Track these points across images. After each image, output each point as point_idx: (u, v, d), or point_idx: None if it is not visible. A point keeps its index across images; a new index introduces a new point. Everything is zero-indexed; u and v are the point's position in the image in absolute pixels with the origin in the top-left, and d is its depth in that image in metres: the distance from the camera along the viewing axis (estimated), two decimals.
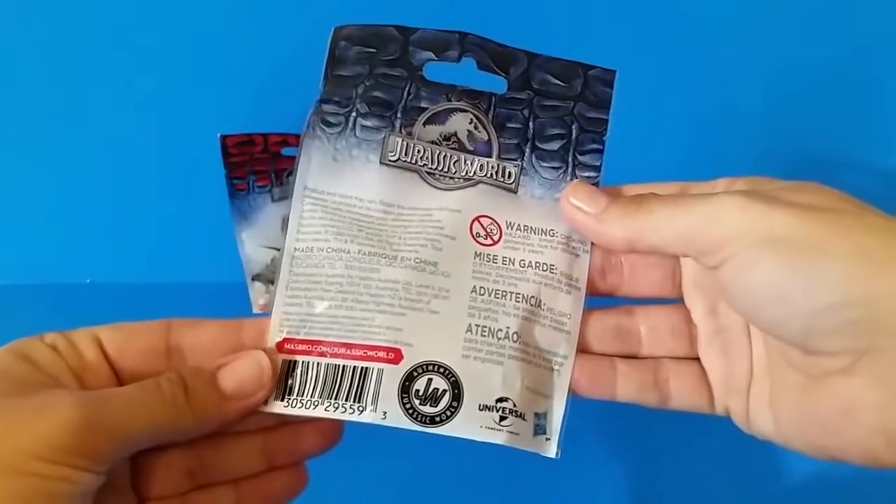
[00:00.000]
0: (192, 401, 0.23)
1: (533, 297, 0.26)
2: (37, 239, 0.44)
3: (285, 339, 0.25)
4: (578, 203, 0.25)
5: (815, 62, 0.47)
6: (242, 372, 0.24)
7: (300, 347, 0.25)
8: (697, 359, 0.27)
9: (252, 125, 0.43)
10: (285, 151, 0.43)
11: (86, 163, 0.43)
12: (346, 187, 0.26)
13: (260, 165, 0.44)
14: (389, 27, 0.26)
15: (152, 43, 0.42)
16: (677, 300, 0.28)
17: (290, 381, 0.24)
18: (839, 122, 0.47)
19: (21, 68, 0.42)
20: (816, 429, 0.23)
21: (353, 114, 0.26)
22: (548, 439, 0.25)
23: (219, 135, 0.42)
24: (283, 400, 0.24)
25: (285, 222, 0.46)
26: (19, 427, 0.20)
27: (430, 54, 0.26)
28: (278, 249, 0.47)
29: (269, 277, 0.47)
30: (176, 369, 0.24)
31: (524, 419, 0.25)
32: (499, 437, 0.24)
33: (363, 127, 0.26)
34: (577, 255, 0.27)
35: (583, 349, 0.27)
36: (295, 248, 0.26)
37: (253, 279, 0.45)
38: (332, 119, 0.26)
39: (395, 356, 0.24)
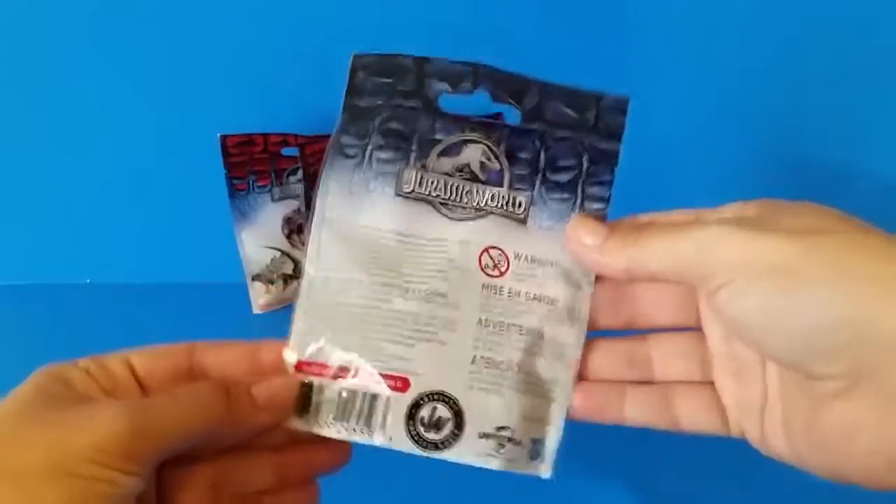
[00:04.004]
0: (232, 405, 0.24)
1: (536, 329, 0.26)
2: (37, 239, 0.44)
3: (303, 362, 0.26)
4: (579, 236, 0.26)
5: (825, 74, 0.47)
6: (274, 388, 0.25)
7: (316, 370, 0.26)
8: (710, 383, 0.27)
9: (252, 125, 0.43)
10: (285, 151, 0.43)
11: (86, 163, 0.43)
12: (364, 218, 0.26)
13: (260, 165, 0.44)
14: (406, 57, 0.26)
15: (153, 43, 0.42)
16: (696, 328, 0.28)
17: (307, 401, 0.26)
18: (851, 131, 0.47)
19: (21, 69, 0.42)
20: (822, 450, 0.23)
21: (370, 146, 0.26)
22: (542, 462, 0.26)
23: (219, 135, 0.42)
24: (301, 418, 0.26)
25: (286, 221, 0.46)
26: (71, 433, 0.21)
27: (445, 86, 0.26)
28: (278, 249, 0.47)
29: (268, 277, 0.47)
30: (216, 378, 0.25)
31: (521, 445, 0.26)
32: (495, 464, 0.26)
33: (379, 159, 0.26)
34: (580, 288, 0.27)
35: (594, 377, 0.28)
36: (313, 277, 0.26)
37: (253, 279, 0.45)
38: (349, 151, 0.26)
39: (402, 385, 0.25)
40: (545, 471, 0.26)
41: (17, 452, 0.21)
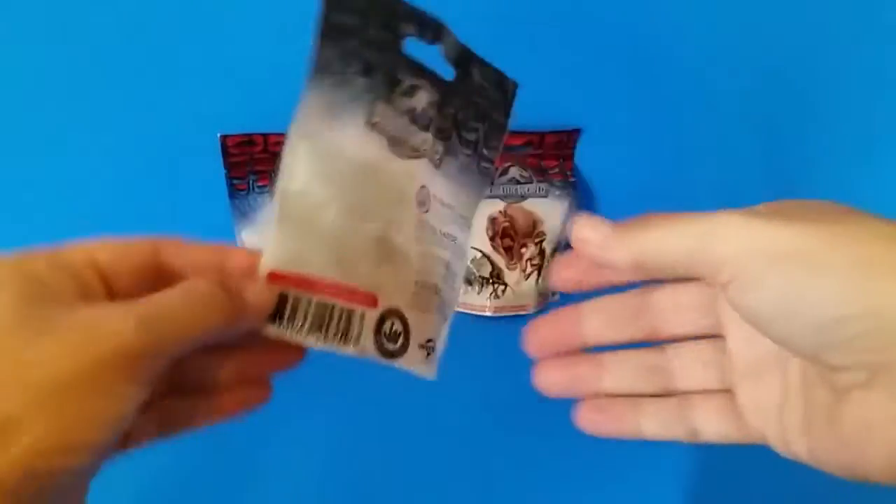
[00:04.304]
0: (234, 302, 0.23)
1: (447, 261, 0.31)
2: (37, 239, 0.44)
3: (277, 273, 0.26)
4: (584, 236, 0.26)
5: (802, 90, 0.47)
6: (259, 292, 0.25)
7: (292, 282, 0.26)
8: (728, 391, 0.27)
9: (252, 125, 0.43)
10: None
11: (85, 163, 0.43)
12: (336, 139, 0.27)
13: (260, 165, 0.44)
14: None
15: (153, 42, 0.42)
16: (717, 336, 0.28)
17: (282, 310, 0.26)
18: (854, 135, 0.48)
19: (21, 68, 0.42)
20: (842, 446, 0.23)
21: (349, 69, 0.27)
22: (435, 367, 0.31)
23: (219, 135, 0.42)
24: (274, 325, 0.26)
25: None
26: (77, 344, 0.20)
27: (413, 32, 0.27)
28: None
29: None
30: (205, 276, 0.24)
31: (436, 354, 0.30)
32: (424, 369, 0.30)
33: (355, 85, 0.27)
34: (467, 230, 0.32)
35: (613, 391, 0.28)
36: (289, 189, 0.26)
37: None
38: (331, 68, 0.27)
39: (373, 301, 0.28)
40: (435, 374, 0.30)
41: (24, 367, 0.19)
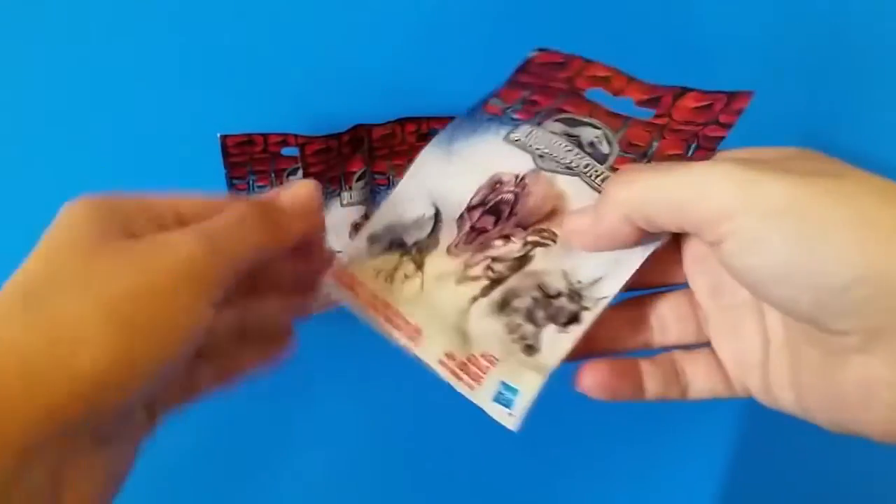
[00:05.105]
0: (280, 221, 0.25)
1: None
2: (37, 239, 0.44)
3: None
4: (572, 227, 0.26)
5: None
6: (294, 191, 0.26)
7: None
8: (708, 344, 0.27)
9: (252, 125, 0.43)
10: (285, 151, 0.43)
11: (85, 162, 0.43)
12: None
13: (260, 165, 0.43)
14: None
15: (153, 42, 0.42)
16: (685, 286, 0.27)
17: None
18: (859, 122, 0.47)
19: (20, 68, 0.42)
20: (838, 405, 0.22)
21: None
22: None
23: (219, 135, 0.42)
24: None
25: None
26: (151, 258, 0.21)
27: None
28: None
29: None
30: (248, 201, 0.25)
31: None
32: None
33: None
34: None
35: (605, 347, 0.27)
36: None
37: None
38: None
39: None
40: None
41: (97, 281, 0.20)
